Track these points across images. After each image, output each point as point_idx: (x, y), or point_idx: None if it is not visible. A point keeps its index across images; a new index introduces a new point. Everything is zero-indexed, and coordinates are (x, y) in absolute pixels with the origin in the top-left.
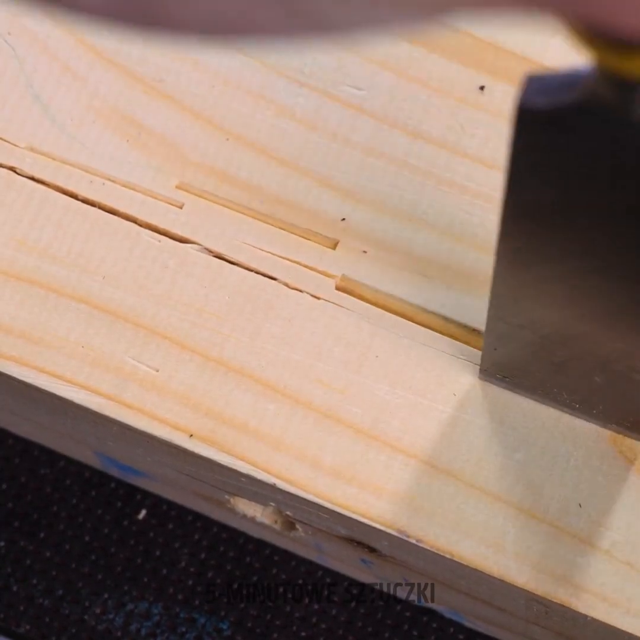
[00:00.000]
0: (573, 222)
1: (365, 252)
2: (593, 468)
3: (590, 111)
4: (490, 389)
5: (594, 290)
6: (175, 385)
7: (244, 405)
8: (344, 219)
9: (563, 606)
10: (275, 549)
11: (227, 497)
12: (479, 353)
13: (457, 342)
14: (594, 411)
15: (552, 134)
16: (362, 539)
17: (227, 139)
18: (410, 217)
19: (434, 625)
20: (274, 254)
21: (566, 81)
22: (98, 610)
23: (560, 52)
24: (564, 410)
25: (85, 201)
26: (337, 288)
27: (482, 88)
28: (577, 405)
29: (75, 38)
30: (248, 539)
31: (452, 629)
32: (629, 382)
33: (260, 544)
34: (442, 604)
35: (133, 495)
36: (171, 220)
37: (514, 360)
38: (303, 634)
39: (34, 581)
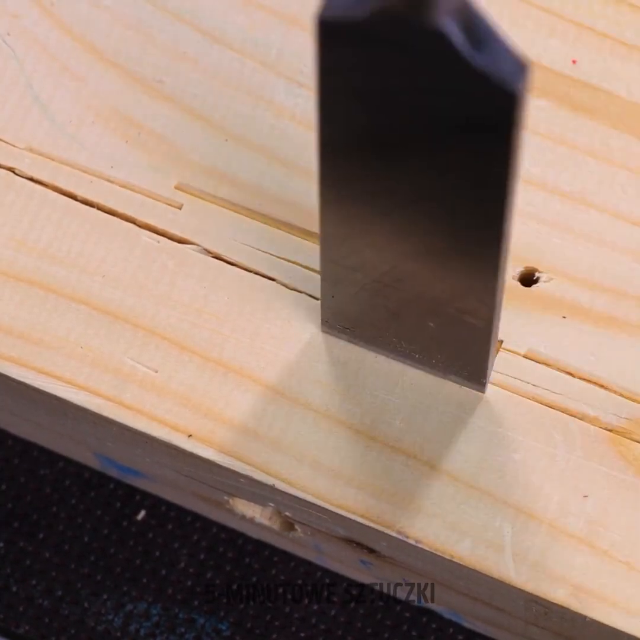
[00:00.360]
0: (387, 152)
1: None
2: (593, 468)
3: (386, 21)
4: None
5: (416, 226)
6: (174, 386)
7: (243, 406)
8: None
9: (562, 606)
10: (274, 550)
11: (226, 497)
12: None
13: None
14: (434, 361)
15: (353, 49)
16: (361, 539)
17: (227, 139)
18: None
19: (434, 625)
20: (273, 255)
21: None
22: (97, 611)
23: (559, 52)
24: (406, 362)
25: (85, 202)
26: None
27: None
28: (417, 356)
29: (74, 38)
30: (247, 539)
31: (451, 630)
32: (461, 326)
33: (260, 544)
34: (442, 605)
35: (132, 496)
36: (170, 220)
37: (351, 309)
38: (302, 634)
39: (34, 582)
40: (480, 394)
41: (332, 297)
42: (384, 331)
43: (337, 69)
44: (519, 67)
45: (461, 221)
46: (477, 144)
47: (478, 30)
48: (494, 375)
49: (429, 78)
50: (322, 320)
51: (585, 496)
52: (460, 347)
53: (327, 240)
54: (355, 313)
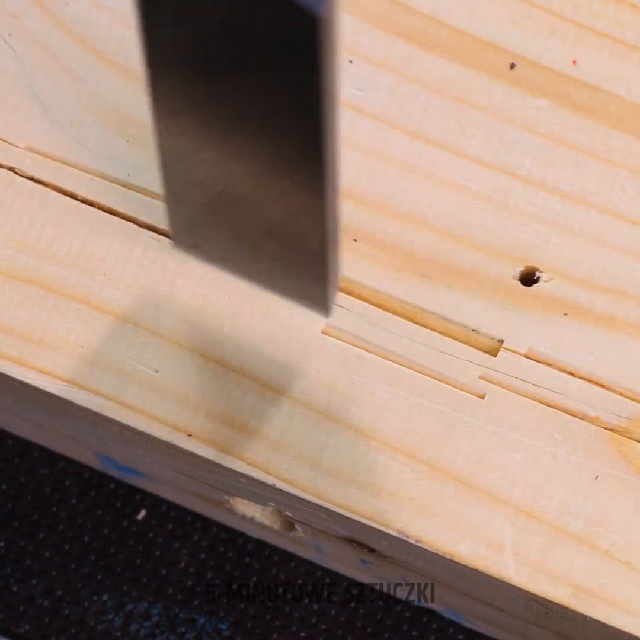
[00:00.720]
0: (208, 70)
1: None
2: (593, 468)
3: None
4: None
5: (242, 146)
6: (175, 386)
7: (243, 406)
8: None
9: (562, 606)
10: (274, 550)
11: (226, 497)
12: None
13: (457, 342)
14: (279, 283)
15: None
16: (361, 539)
17: None
18: (410, 217)
19: (434, 625)
20: None
21: None
22: (98, 611)
23: (560, 52)
24: (255, 283)
25: (85, 201)
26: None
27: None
28: (264, 277)
29: (75, 38)
30: (247, 539)
31: (451, 630)
32: (298, 249)
33: (260, 544)
34: (442, 604)
35: (132, 496)
36: None
37: (197, 227)
38: (303, 634)
39: (34, 581)
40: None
41: (178, 213)
42: (229, 251)
43: None
44: None
45: (282, 143)
46: (287, 68)
47: None
48: (494, 374)
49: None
50: (171, 235)
51: (586, 496)
52: (301, 271)
53: (165, 155)
54: (199, 232)
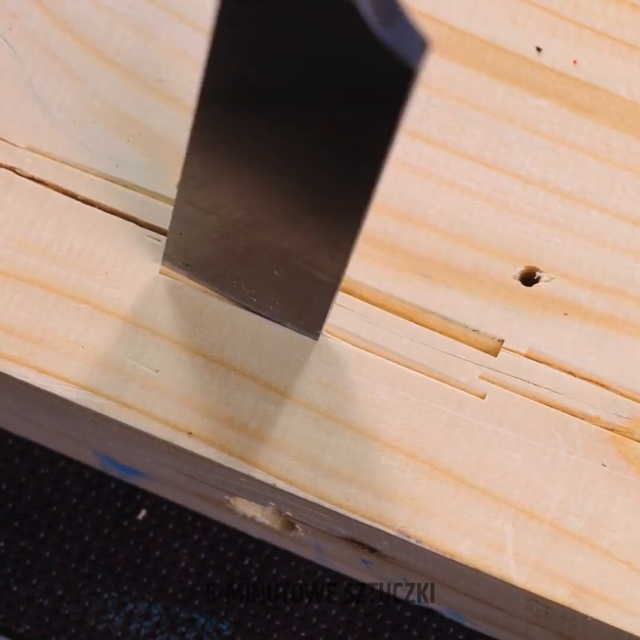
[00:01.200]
0: (268, 103)
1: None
2: (593, 468)
3: None
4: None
5: (280, 181)
6: (175, 386)
7: (244, 406)
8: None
9: (563, 606)
10: (275, 549)
11: (227, 497)
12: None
13: (458, 342)
14: (271, 307)
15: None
16: (362, 539)
17: None
18: (410, 217)
19: (434, 625)
20: None
21: None
22: (98, 611)
23: (560, 52)
24: (242, 304)
25: (85, 201)
26: None
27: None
28: (255, 300)
29: (75, 38)
30: (248, 539)
31: (452, 629)
32: (307, 278)
33: (260, 544)
34: (442, 604)
35: (133, 496)
36: (169, 219)
37: (198, 247)
38: (303, 634)
39: (34, 581)
40: (314, 340)
41: (180, 234)
42: (225, 273)
43: (235, 19)
44: (420, 45)
45: (328, 185)
46: (362, 113)
47: (386, 6)
48: (495, 374)
49: (330, 43)
50: (164, 254)
51: (586, 496)
52: (302, 298)
53: (188, 180)
54: (199, 252)
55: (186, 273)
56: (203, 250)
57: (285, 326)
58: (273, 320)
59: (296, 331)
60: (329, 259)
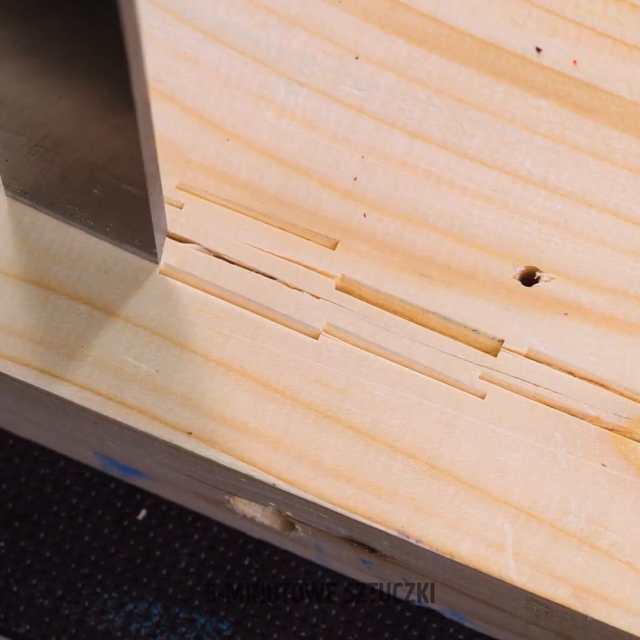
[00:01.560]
0: (25, 12)
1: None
2: (593, 468)
3: None
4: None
5: (56, 90)
6: (175, 386)
7: (244, 406)
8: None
9: (563, 606)
10: (275, 549)
11: (227, 497)
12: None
13: (458, 342)
14: (107, 229)
15: None
16: (362, 539)
17: (227, 139)
18: (410, 217)
19: (434, 625)
20: (274, 254)
21: None
22: (98, 611)
23: (560, 52)
24: (83, 228)
25: None
26: (337, 288)
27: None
28: (91, 223)
29: None
30: (248, 539)
31: (452, 629)
32: (121, 194)
33: (260, 544)
34: (442, 604)
35: (133, 496)
36: (171, 220)
37: (25, 173)
38: (303, 634)
39: (34, 581)
40: (154, 264)
41: (6, 160)
42: (57, 197)
43: None
44: None
45: (94, 87)
46: (88, 11)
47: None
48: (494, 374)
49: None
50: (3, 184)
51: (586, 496)
52: (126, 216)
53: None
54: (29, 177)
55: (27, 201)
56: (30, 175)
57: (124, 248)
58: (115, 244)
59: (136, 253)
60: (129, 169)
